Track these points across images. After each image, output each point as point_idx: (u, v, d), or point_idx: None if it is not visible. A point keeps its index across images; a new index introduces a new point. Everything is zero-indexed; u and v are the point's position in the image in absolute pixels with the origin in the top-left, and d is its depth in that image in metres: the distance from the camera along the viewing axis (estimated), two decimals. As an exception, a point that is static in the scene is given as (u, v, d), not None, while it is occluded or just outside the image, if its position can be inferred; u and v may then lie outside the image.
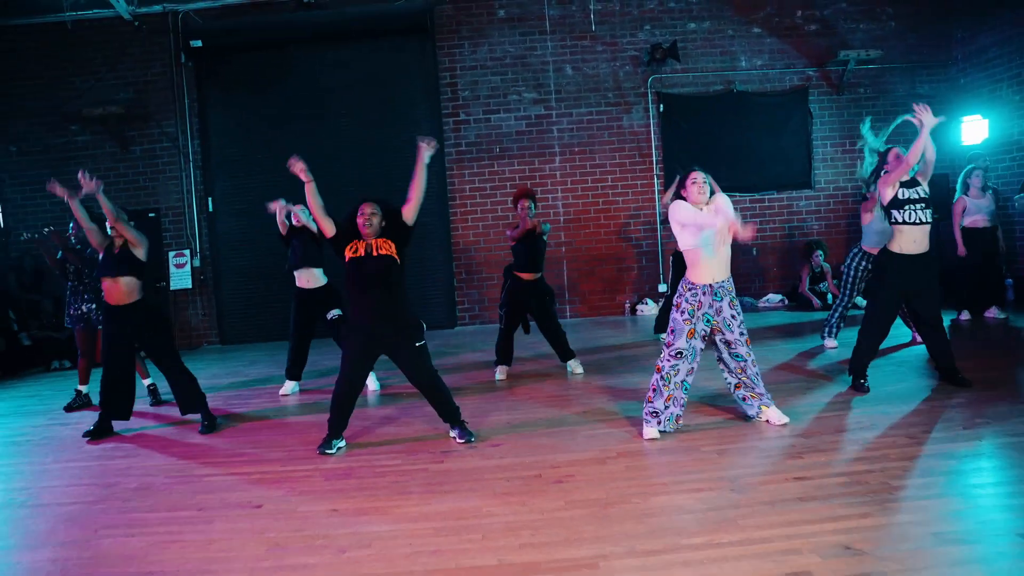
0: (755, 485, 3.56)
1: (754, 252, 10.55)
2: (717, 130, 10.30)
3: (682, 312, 4.36)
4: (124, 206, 9.54)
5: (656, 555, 2.88)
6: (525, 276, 6.32)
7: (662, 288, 10.07)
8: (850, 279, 6.79)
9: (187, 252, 9.96)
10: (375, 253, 4.47)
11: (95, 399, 6.04)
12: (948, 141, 10.15)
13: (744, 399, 4.59)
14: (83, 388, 6.41)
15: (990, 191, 8.09)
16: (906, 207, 4.90)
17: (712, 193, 4.41)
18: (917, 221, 4.90)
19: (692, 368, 4.42)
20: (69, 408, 6.32)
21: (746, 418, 4.62)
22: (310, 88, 9.91)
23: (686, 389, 4.44)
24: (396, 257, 4.51)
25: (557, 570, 2.81)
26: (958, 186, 8.14)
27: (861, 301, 9.37)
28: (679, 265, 7.24)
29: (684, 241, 4.40)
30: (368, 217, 4.51)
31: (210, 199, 9.99)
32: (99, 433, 5.30)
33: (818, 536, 2.95)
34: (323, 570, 2.94)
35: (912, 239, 4.93)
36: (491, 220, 9.99)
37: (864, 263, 6.65)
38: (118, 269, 5.26)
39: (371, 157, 9.83)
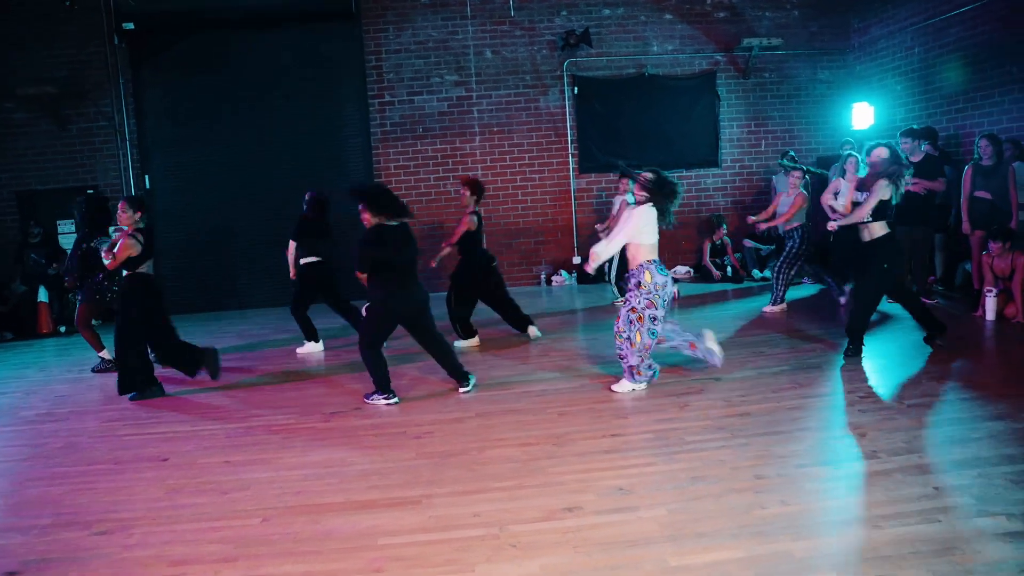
0: (576, 441, 4.36)
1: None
2: (629, 112, 11.00)
3: (650, 292, 5.07)
4: (62, 183, 10.04)
5: (470, 495, 3.66)
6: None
7: (576, 260, 10.82)
8: (791, 253, 7.82)
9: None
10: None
11: (26, 369, 6.69)
12: (840, 125, 11.01)
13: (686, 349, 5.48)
14: (105, 353, 6.85)
15: (863, 176, 8.92)
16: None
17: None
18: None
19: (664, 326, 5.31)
20: (96, 370, 6.86)
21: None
22: (242, 70, 10.36)
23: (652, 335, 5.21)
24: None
25: (389, 505, 3.58)
26: (836, 169, 8.96)
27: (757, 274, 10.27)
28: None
29: (649, 234, 5.11)
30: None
31: (147, 176, 10.44)
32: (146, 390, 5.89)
33: (603, 480, 3.75)
34: (207, 507, 3.68)
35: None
36: (415, 196, 10.58)
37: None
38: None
39: (301, 136, 10.37)
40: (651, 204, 5.06)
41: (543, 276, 10.94)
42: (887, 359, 5.78)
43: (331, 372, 6.48)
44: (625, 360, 5.20)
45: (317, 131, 10.47)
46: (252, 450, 4.51)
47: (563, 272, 10.98)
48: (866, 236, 5.60)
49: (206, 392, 6.01)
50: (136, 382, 5.83)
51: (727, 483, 3.61)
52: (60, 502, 3.86)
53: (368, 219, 5.15)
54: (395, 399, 5.26)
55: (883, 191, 5.46)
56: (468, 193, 6.96)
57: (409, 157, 10.75)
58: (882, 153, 5.56)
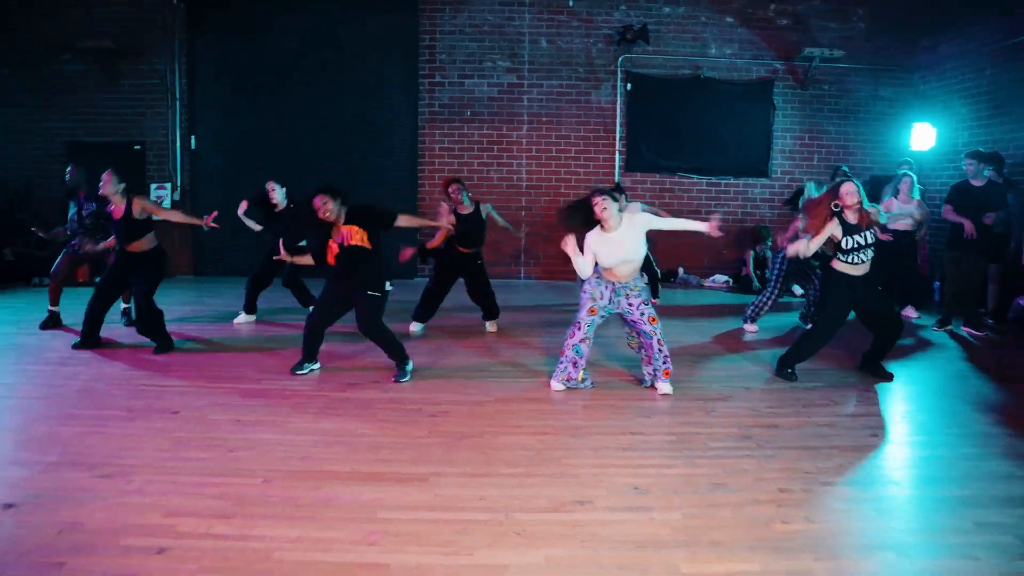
0: (593, 435, 4.21)
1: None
2: (682, 113, 10.76)
3: (586, 292, 4.95)
4: (110, 135, 10.14)
5: (478, 477, 3.53)
6: (463, 249, 6.92)
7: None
8: (776, 274, 7.32)
9: (168, 186, 10.53)
10: (347, 243, 5.07)
11: (64, 319, 6.77)
12: (898, 144, 10.64)
13: (643, 366, 5.15)
14: (55, 308, 6.92)
15: (917, 198, 8.58)
16: (850, 254, 5.22)
17: (620, 210, 4.90)
18: (858, 262, 5.24)
19: (587, 339, 4.96)
20: (43, 326, 6.80)
21: (640, 382, 5.20)
22: (296, 41, 10.35)
23: (577, 352, 4.97)
24: (367, 245, 5.12)
25: (394, 480, 3.46)
26: (890, 188, 8.63)
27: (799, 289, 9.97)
28: None
29: (600, 261, 4.83)
30: (323, 206, 5.01)
31: (193, 137, 10.51)
32: (85, 342, 5.96)
33: (619, 477, 3.60)
34: (210, 462, 3.61)
35: (853, 269, 5.27)
36: (457, 180, 10.50)
37: (788, 261, 7.18)
38: (129, 236, 5.92)
39: (349, 112, 10.34)
40: None
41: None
42: (924, 386, 5.51)
43: (355, 344, 6.39)
44: (667, 358, 4.98)
45: (365, 107, 10.43)
46: (263, 412, 4.43)
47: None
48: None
49: (227, 353, 5.99)
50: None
51: (748, 493, 3.42)
52: (68, 442, 3.82)
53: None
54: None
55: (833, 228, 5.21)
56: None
57: (455, 140, 10.65)
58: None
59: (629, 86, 10.67)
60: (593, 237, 4.83)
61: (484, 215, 7.05)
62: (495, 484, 3.46)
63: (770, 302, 7.33)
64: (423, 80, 10.57)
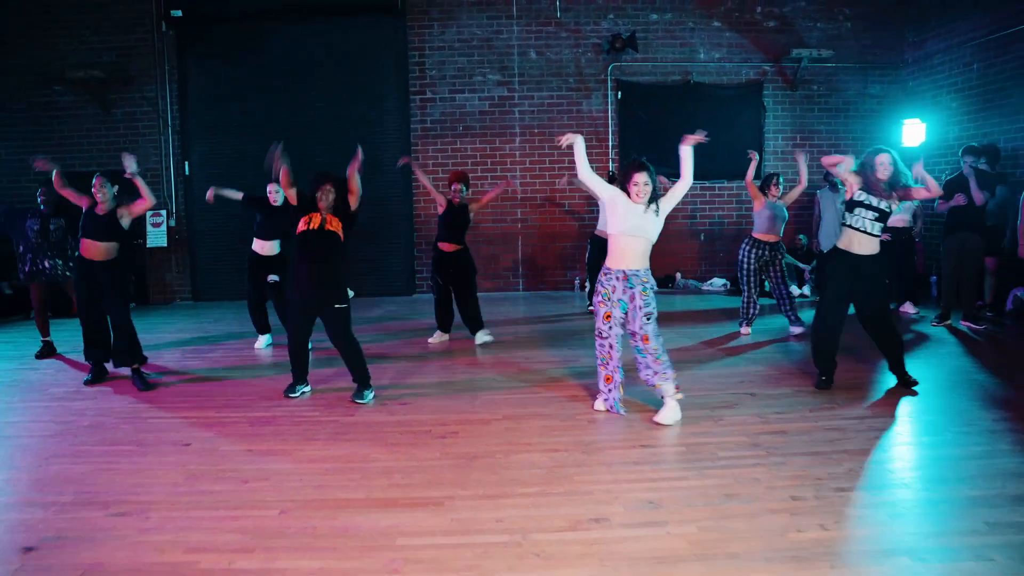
0: (604, 450, 4.23)
1: (701, 237, 11.17)
2: (673, 119, 10.79)
3: (599, 295, 4.76)
4: (103, 166, 10.14)
5: (493, 499, 3.55)
6: (445, 247, 7.00)
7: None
8: (744, 274, 7.35)
9: (163, 212, 10.54)
10: (326, 228, 5.10)
11: (59, 347, 6.83)
12: (890, 141, 10.70)
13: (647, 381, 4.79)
14: (47, 338, 7.08)
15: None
16: (857, 211, 5.08)
17: (657, 198, 4.60)
18: (862, 228, 5.06)
19: (619, 354, 4.72)
20: (39, 356, 6.97)
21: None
22: (286, 61, 10.40)
23: (623, 374, 4.80)
24: (340, 235, 5.15)
25: (411, 505, 3.48)
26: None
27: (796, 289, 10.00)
28: (596, 247, 7.94)
29: (610, 225, 4.67)
30: (326, 193, 5.11)
31: (187, 163, 10.53)
32: (97, 378, 5.93)
33: (632, 492, 3.61)
34: (226, 496, 3.62)
35: (858, 242, 5.09)
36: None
37: (750, 259, 7.27)
38: (107, 234, 5.81)
39: (341, 129, 10.36)
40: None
41: (577, 281, 10.79)
42: (928, 383, 5.52)
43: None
44: (667, 378, 4.67)
45: (357, 125, 10.46)
46: (274, 440, 4.44)
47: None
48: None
49: (232, 380, 5.99)
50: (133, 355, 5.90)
51: (762, 503, 3.45)
52: (81, 480, 3.83)
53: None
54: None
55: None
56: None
57: (448, 155, 10.70)
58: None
59: (620, 94, 10.74)
60: (620, 195, 4.60)
61: (471, 214, 7.18)
62: (511, 505, 3.47)
63: (752, 302, 7.40)
64: (414, 96, 10.62)
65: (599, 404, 4.94)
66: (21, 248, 7.12)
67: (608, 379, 4.84)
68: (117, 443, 4.45)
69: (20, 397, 5.60)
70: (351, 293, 5.29)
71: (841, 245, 5.21)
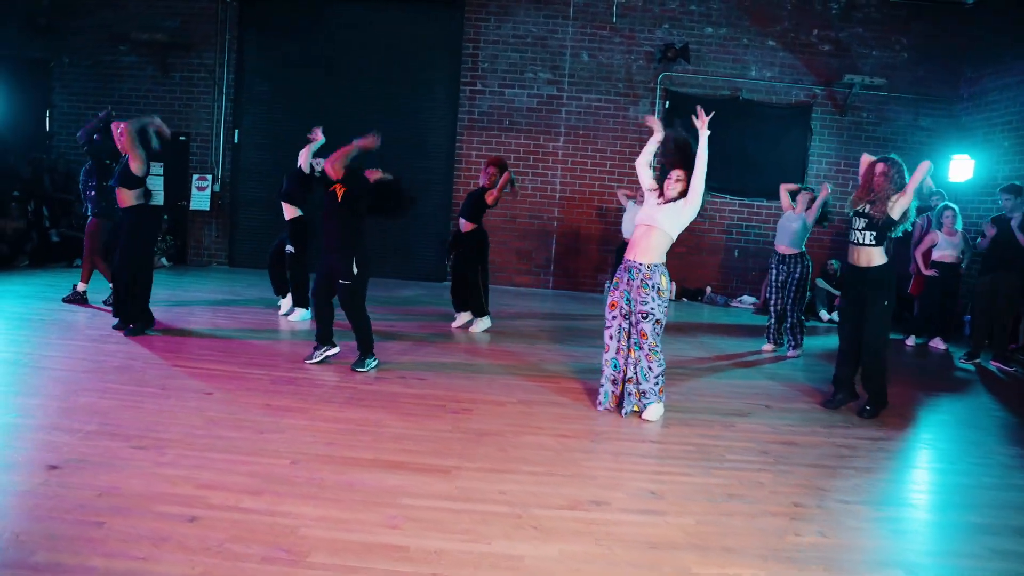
0: (613, 440, 4.27)
1: (736, 253, 11.12)
2: (719, 133, 10.60)
3: (611, 280, 4.82)
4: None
5: (497, 473, 3.61)
6: (463, 225, 7.15)
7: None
8: (770, 294, 7.43)
9: (209, 177, 10.81)
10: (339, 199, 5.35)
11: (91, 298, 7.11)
12: (935, 176, 10.53)
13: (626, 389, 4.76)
14: (82, 287, 7.17)
15: (960, 230, 8.52)
16: (852, 222, 5.13)
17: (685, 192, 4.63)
18: (854, 240, 5.12)
19: (619, 347, 4.71)
20: (67, 300, 7.11)
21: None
22: (342, 41, 10.62)
23: (615, 367, 4.76)
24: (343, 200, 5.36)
25: (416, 470, 3.56)
26: (933, 221, 8.59)
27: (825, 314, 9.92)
28: (621, 255, 7.96)
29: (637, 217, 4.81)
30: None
31: (236, 131, 10.80)
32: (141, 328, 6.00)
33: (635, 481, 3.66)
34: (240, 442, 3.74)
35: (856, 254, 5.10)
36: (492, 186, 10.65)
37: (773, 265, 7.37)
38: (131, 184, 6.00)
39: (390, 114, 10.51)
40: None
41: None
42: (949, 415, 5.48)
43: (383, 341, 6.52)
44: (657, 378, 4.66)
45: (406, 110, 10.64)
46: (291, 398, 4.56)
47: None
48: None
49: (259, 341, 6.15)
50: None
51: (763, 505, 3.47)
52: (106, 413, 3.98)
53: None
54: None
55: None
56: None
57: (492, 148, 10.80)
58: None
59: (667, 104, 10.75)
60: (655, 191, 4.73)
61: (487, 199, 7.17)
62: (514, 480, 3.54)
63: (771, 320, 7.45)
64: (464, 87, 10.75)
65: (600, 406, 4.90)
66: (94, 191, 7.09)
67: (603, 372, 4.83)
68: (143, 384, 4.61)
69: (58, 335, 5.82)
70: (355, 269, 5.31)
71: (849, 260, 5.25)
